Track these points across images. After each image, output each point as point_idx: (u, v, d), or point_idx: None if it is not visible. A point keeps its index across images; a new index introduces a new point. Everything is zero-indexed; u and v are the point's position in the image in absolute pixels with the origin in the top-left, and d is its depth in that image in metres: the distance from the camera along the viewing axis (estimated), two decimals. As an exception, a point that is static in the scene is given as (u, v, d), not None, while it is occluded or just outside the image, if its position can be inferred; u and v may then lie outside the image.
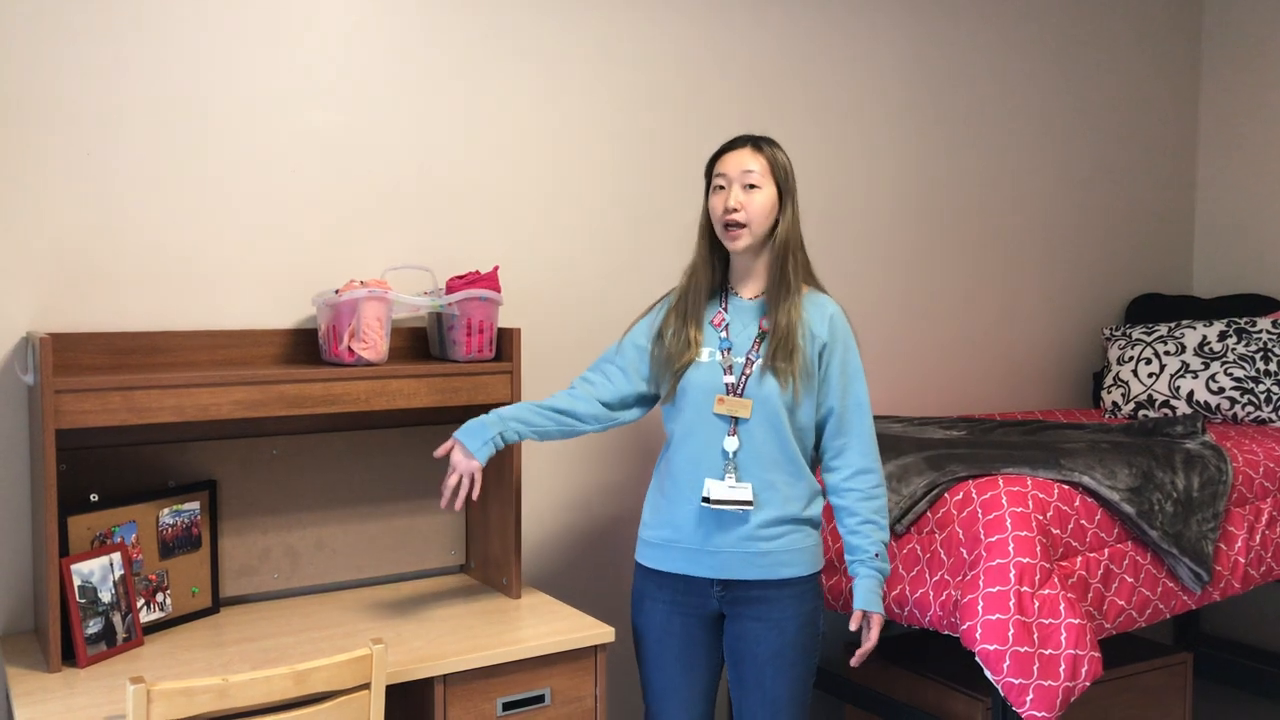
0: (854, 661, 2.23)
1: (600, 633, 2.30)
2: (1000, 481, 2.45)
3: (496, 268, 2.58)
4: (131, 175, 2.34)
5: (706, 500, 2.17)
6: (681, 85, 3.02)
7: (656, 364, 2.29)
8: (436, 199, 2.69)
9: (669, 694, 2.27)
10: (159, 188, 2.37)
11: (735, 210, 2.18)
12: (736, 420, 2.19)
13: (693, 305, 2.26)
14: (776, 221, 2.22)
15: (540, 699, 2.23)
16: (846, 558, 2.23)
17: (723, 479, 2.17)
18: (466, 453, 2.21)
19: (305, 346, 2.50)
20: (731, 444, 2.18)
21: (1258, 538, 2.73)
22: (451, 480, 2.20)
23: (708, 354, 2.23)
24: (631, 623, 2.33)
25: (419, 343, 2.63)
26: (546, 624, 2.34)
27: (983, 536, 2.37)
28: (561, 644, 2.25)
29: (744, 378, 2.20)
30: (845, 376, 2.24)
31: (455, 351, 2.50)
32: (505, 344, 2.52)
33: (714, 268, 2.29)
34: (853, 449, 2.23)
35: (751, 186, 2.18)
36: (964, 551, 2.40)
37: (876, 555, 2.20)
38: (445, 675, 2.12)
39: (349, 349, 2.37)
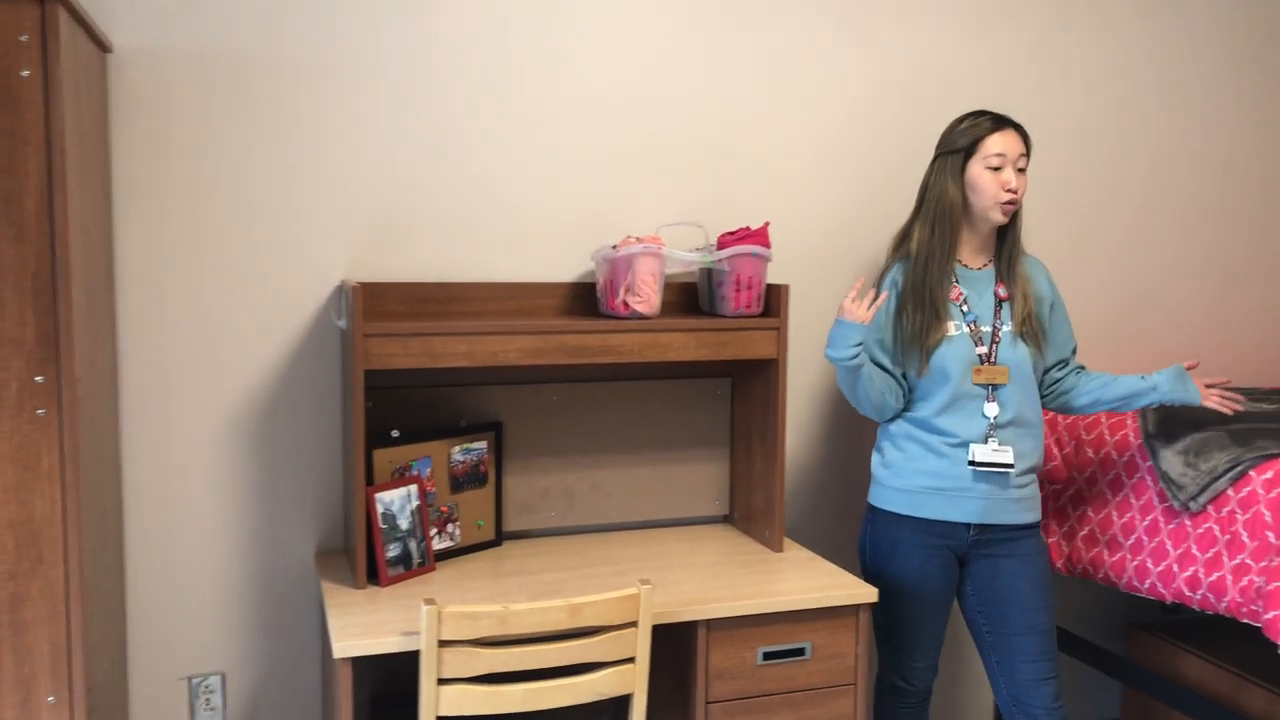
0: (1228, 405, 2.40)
1: (863, 592, 2.28)
2: (1319, 460, 2.21)
3: (767, 224, 2.58)
4: (432, 136, 2.52)
5: (974, 464, 2.33)
6: (956, 43, 2.88)
7: (898, 350, 2.38)
8: (710, 155, 2.72)
9: (927, 630, 2.42)
10: (454, 150, 2.54)
11: (1014, 190, 2.32)
12: (994, 387, 2.33)
13: (934, 288, 2.34)
14: None
15: (801, 652, 2.24)
16: (1136, 398, 2.43)
17: (985, 442, 2.33)
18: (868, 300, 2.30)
19: (585, 299, 2.60)
20: (992, 409, 2.34)
21: None
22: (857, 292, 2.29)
23: (954, 328, 2.35)
24: (874, 571, 2.44)
25: (690, 298, 2.68)
26: (808, 579, 2.34)
27: (1295, 520, 2.16)
28: (824, 599, 2.25)
29: (994, 346, 2.35)
30: (1066, 321, 2.48)
31: (724, 307, 2.53)
32: (773, 300, 2.52)
33: (955, 242, 2.37)
34: (1076, 364, 2.52)
35: (1020, 170, 2.34)
36: (1271, 535, 2.19)
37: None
38: (709, 620, 2.17)
39: (624, 303, 2.45)
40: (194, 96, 2.36)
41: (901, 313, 2.37)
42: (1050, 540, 2.70)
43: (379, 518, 2.28)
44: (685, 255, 2.52)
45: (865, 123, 2.83)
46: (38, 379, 1.83)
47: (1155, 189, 3.14)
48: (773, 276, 2.61)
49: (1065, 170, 3.03)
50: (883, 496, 2.43)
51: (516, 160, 2.58)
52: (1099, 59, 3.03)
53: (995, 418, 2.33)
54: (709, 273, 2.59)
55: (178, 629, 2.45)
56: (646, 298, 2.46)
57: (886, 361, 2.39)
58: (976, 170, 2.33)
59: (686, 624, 2.18)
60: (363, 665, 2.05)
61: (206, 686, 2.48)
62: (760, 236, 2.54)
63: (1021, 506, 2.37)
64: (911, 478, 2.38)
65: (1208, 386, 2.41)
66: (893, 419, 2.43)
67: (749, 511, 2.68)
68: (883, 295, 2.31)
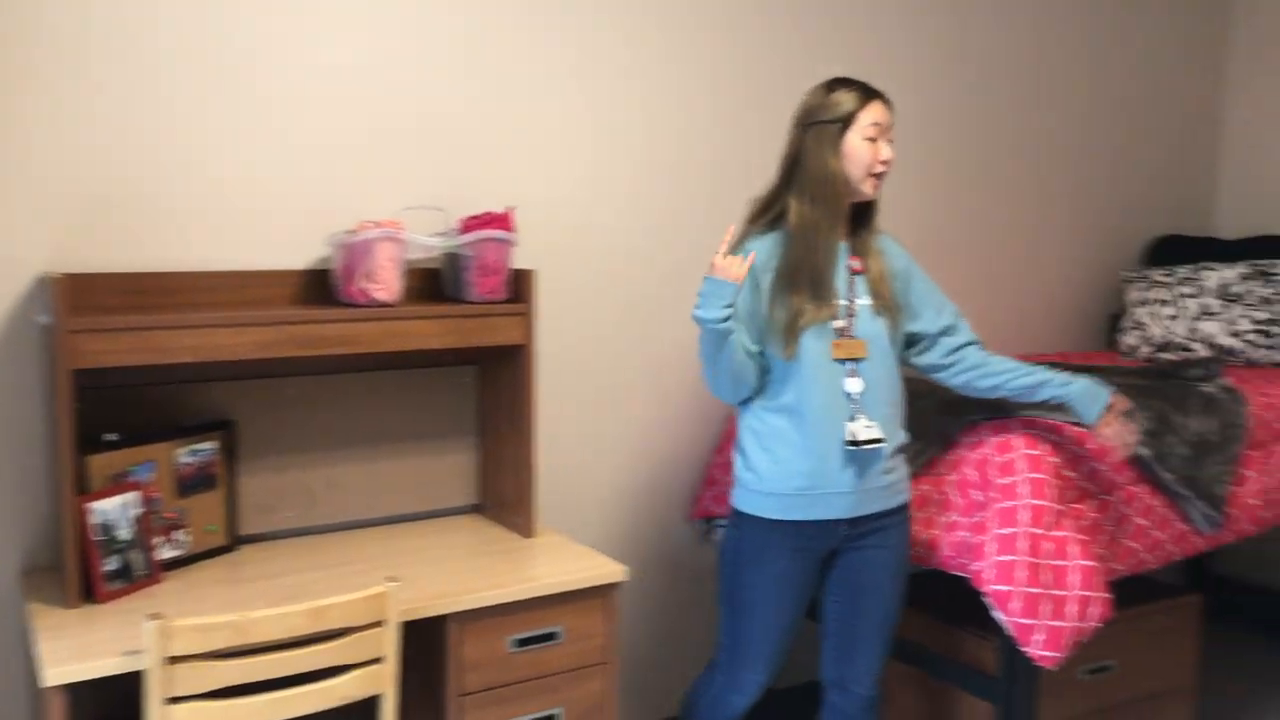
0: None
1: (612, 571, 2.32)
2: (1015, 424, 2.44)
3: (511, 208, 2.56)
4: (145, 117, 2.33)
5: (853, 443, 2.21)
6: (707, 24, 2.97)
7: (767, 327, 2.23)
8: (451, 138, 2.67)
9: (774, 636, 2.33)
10: (172, 129, 2.36)
11: (888, 161, 2.23)
12: (854, 362, 2.23)
13: (822, 268, 2.21)
14: None
15: (553, 636, 2.26)
16: (1043, 387, 2.35)
17: (854, 420, 2.22)
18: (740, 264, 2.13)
19: (320, 287, 2.50)
20: (854, 385, 2.23)
21: (1274, 480, 2.72)
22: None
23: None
24: (734, 576, 2.33)
25: (433, 284, 2.63)
26: (559, 562, 2.36)
27: (995, 479, 2.37)
28: (574, 582, 2.27)
29: (851, 319, 2.24)
30: (935, 294, 2.38)
31: (469, 293, 2.50)
32: (520, 285, 2.51)
33: (837, 215, 2.23)
34: (971, 338, 2.41)
35: (890, 140, 2.25)
36: (976, 494, 2.41)
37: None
38: (459, 613, 2.15)
39: (363, 290, 2.37)
40: None
41: (777, 290, 2.22)
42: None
43: (93, 529, 2.10)
44: (426, 240, 2.46)
45: (612, 106, 2.86)
46: None
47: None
48: (519, 262, 2.60)
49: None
50: (750, 502, 2.29)
51: (243, 142, 2.44)
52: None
53: (858, 394, 2.22)
54: (452, 258, 2.54)
55: None
56: (386, 284, 2.39)
57: (745, 338, 2.22)
58: (854, 141, 2.19)
59: (436, 619, 2.14)
60: (82, 693, 1.89)
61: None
62: (504, 221, 2.52)
63: (891, 491, 2.30)
64: (780, 480, 2.24)
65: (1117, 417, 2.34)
66: (750, 406, 2.29)
67: (500, 500, 2.66)
68: (751, 255, 2.17)
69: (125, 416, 2.30)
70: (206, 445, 2.36)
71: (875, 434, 2.22)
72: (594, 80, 2.83)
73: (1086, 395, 2.34)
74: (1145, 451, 2.48)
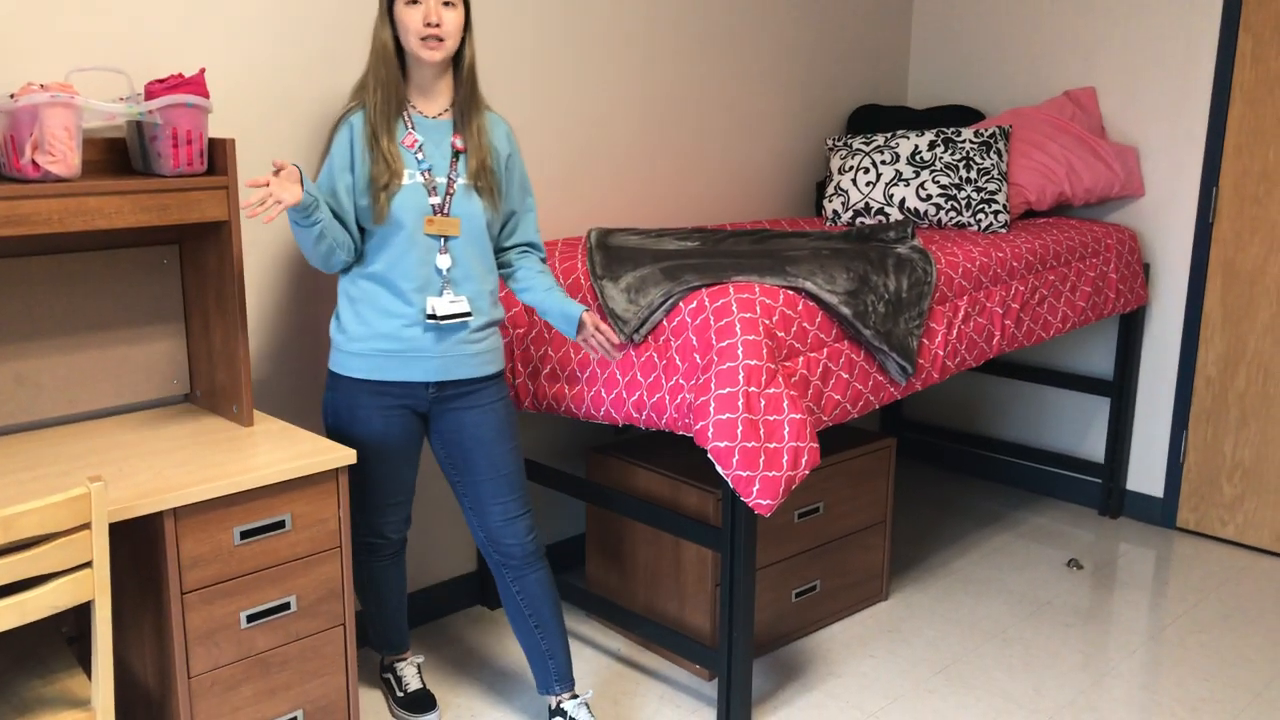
0: (614, 352, 2.50)
1: (340, 455, 2.25)
2: (731, 290, 2.55)
3: (203, 70, 2.34)
4: None
5: (433, 317, 2.35)
6: None
7: (358, 195, 2.33)
8: (126, -10, 2.39)
9: (394, 488, 2.52)
10: None
11: (436, 25, 2.26)
12: (446, 239, 2.34)
13: (386, 127, 2.31)
14: (463, 41, 2.34)
15: (281, 525, 2.19)
16: (553, 304, 2.50)
17: (440, 295, 2.35)
18: (291, 180, 2.17)
19: (-21, 160, 2.20)
20: (444, 261, 2.35)
21: (954, 332, 3.01)
22: (260, 184, 2.11)
23: (409, 176, 2.32)
24: (337, 435, 2.46)
25: (119, 156, 2.38)
26: (282, 450, 2.27)
27: (714, 342, 2.48)
28: (301, 469, 2.19)
29: (448, 197, 2.35)
30: (522, 182, 2.51)
31: (161, 165, 2.28)
32: (218, 156, 2.32)
33: (399, 87, 2.33)
34: (531, 238, 2.56)
35: (448, 4, 2.28)
36: (697, 357, 2.51)
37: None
38: (175, 509, 2.03)
39: (33, 163, 2.10)
40: None
41: (363, 156, 2.31)
42: (518, 381, 2.87)
43: None
44: (107, 106, 2.21)
45: (305, -38, 2.65)
46: None
47: (598, 55, 3.32)
48: (215, 130, 2.39)
49: (498, 39, 3.09)
50: (340, 362, 2.41)
51: None
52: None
53: (447, 270, 2.35)
54: (138, 127, 2.30)
55: None
56: (62, 156, 2.13)
57: (341, 212, 2.33)
58: (399, 8, 2.28)
59: (150, 516, 2.01)
60: None
61: None
62: (196, 85, 2.30)
63: (481, 360, 2.44)
64: (367, 341, 2.37)
65: (593, 334, 2.48)
66: (347, 273, 2.39)
67: (212, 388, 2.51)
68: (278, 163, 2.17)
69: None
70: None
71: (460, 309, 2.36)
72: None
73: (566, 324, 2.49)
74: (847, 310, 2.66)
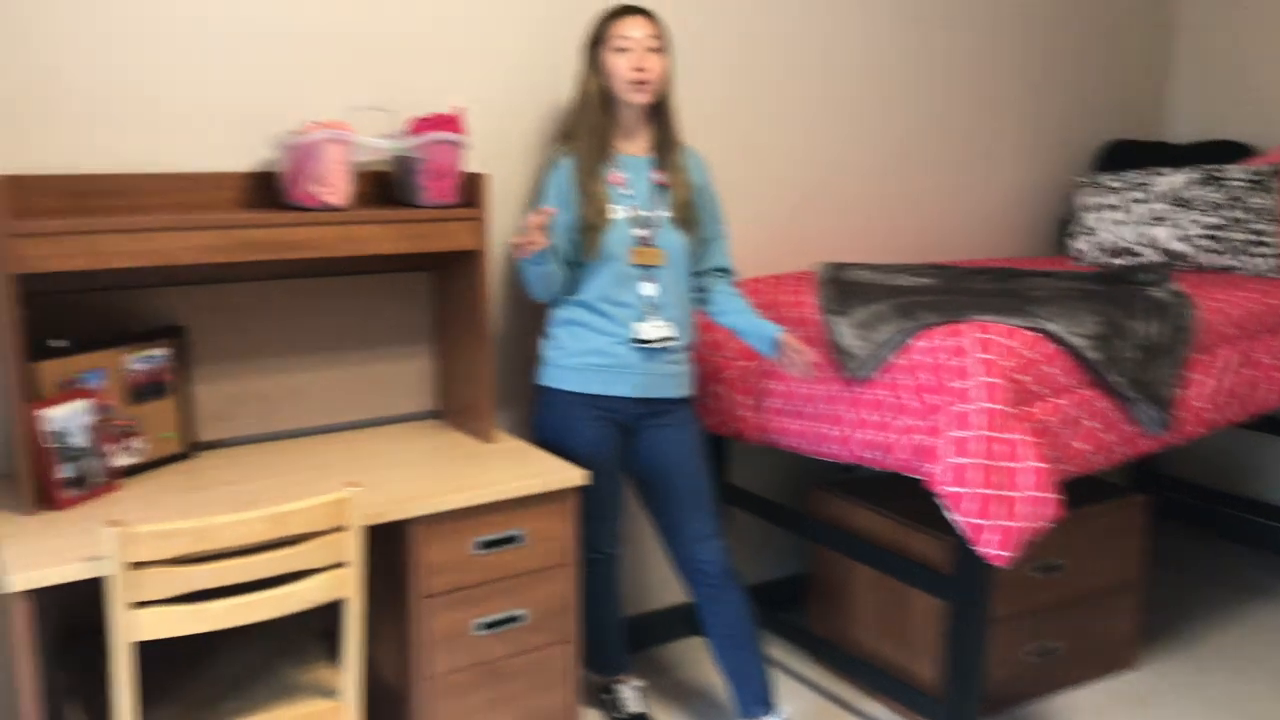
0: (812, 371, 2.53)
1: (573, 475, 2.33)
2: (968, 329, 2.47)
3: (461, 109, 2.50)
4: (86, 12, 2.22)
5: (638, 341, 2.48)
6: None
7: (570, 232, 2.47)
8: (399, 35, 2.58)
9: (605, 500, 2.58)
10: (112, 25, 2.26)
11: (643, 70, 2.42)
12: (651, 268, 2.47)
13: (594, 169, 2.47)
14: (665, 85, 2.49)
15: (515, 539, 2.28)
16: (750, 325, 2.58)
17: (644, 320, 2.48)
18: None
19: (266, 191, 2.43)
20: (650, 289, 2.49)
21: (1218, 384, 2.79)
22: (533, 222, 2.31)
23: (616, 212, 2.47)
24: (548, 445, 2.55)
25: (382, 188, 2.57)
26: (519, 468, 2.37)
27: (950, 383, 2.40)
28: (535, 487, 2.28)
29: (652, 230, 2.48)
30: (714, 210, 2.63)
31: (420, 197, 2.45)
32: (472, 189, 2.47)
33: (606, 130, 2.50)
34: (723, 262, 2.66)
35: (653, 50, 2.44)
36: (931, 397, 2.44)
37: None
38: (422, 516, 2.15)
39: (311, 193, 2.31)
40: None
41: (569, 203, 2.47)
42: (742, 413, 2.88)
43: (46, 436, 2.06)
44: (376, 142, 2.40)
45: (565, 5, 2.78)
46: None
47: (817, 87, 3.32)
48: (470, 165, 2.55)
49: (733, 76, 3.13)
50: (553, 376, 2.55)
51: (185, 39, 2.34)
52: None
53: (652, 297, 2.48)
54: (402, 161, 2.48)
55: None
56: (335, 187, 2.33)
57: (555, 249, 2.46)
58: (607, 56, 2.45)
59: (399, 523, 2.15)
60: (44, 597, 1.88)
61: None
62: (454, 123, 2.46)
63: (679, 382, 2.57)
64: (579, 356, 2.50)
65: (791, 354, 2.52)
66: (561, 300, 2.54)
67: (457, 405, 2.66)
68: (546, 211, 2.33)
69: (74, 323, 2.25)
70: (157, 352, 2.31)
71: (665, 333, 2.50)
72: (549, -24, 2.75)
73: (766, 345, 2.55)
74: (1094, 355, 2.52)
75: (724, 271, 2.67)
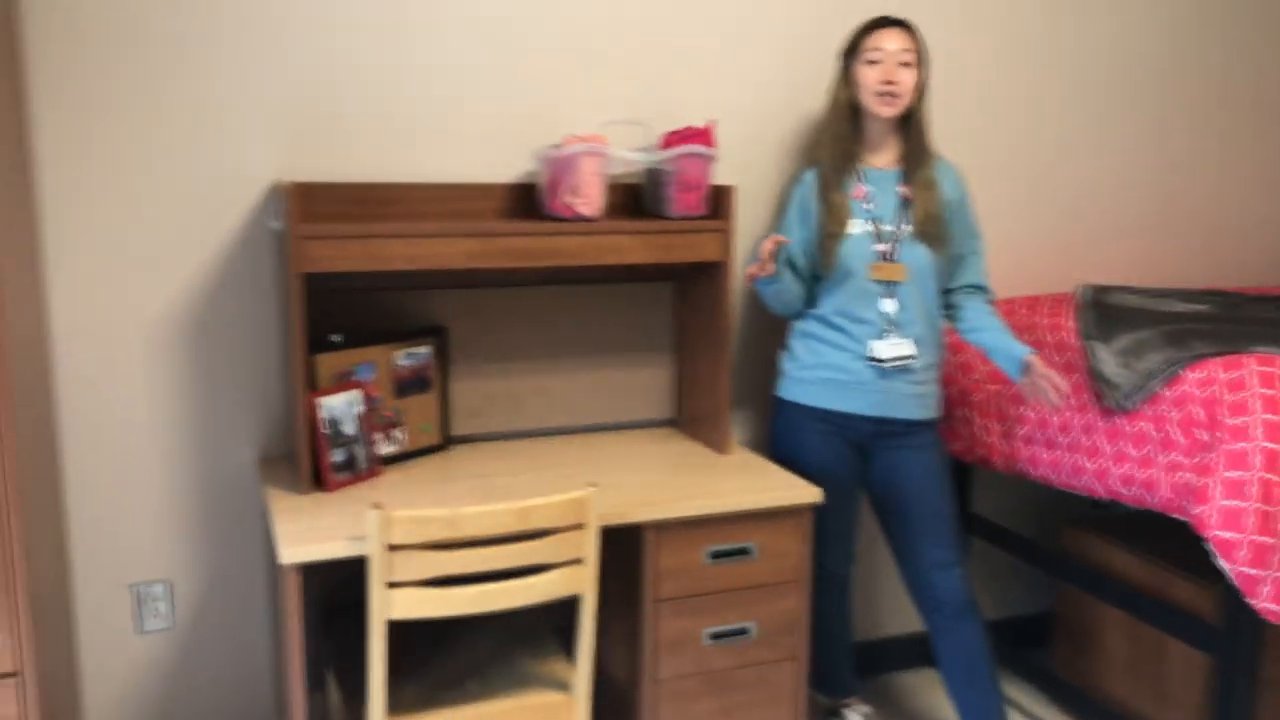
0: (1058, 399, 2.40)
1: (808, 493, 2.31)
2: (1248, 362, 2.26)
3: (712, 123, 2.53)
4: (365, 37, 2.42)
5: (873, 359, 2.42)
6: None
7: (810, 245, 2.47)
8: (654, 52, 2.65)
9: (837, 518, 2.52)
10: (389, 48, 2.44)
11: (893, 82, 2.38)
12: (892, 284, 2.41)
13: (837, 181, 2.45)
14: (916, 99, 2.43)
15: (746, 552, 2.28)
16: (1000, 344, 2.46)
17: (883, 338, 2.42)
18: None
19: (526, 201, 2.55)
20: (890, 306, 2.43)
21: None
22: (762, 253, 2.33)
23: (856, 226, 2.43)
24: (783, 461, 2.51)
25: (633, 199, 2.64)
26: (754, 480, 2.37)
27: (1225, 419, 2.21)
28: (770, 500, 2.28)
29: (895, 245, 2.42)
30: (969, 225, 2.53)
31: (668, 208, 2.50)
32: (720, 201, 2.49)
33: (852, 142, 2.47)
34: (977, 279, 2.56)
35: (905, 64, 2.39)
36: (1203, 433, 2.25)
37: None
38: (656, 521, 2.19)
39: (567, 204, 2.40)
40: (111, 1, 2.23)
41: (810, 214, 2.47)
42: (990, 439, 2.76)
43: (322, 423, 2.25)
44: (629, 155, 2.47)
45: (814, 18, 2.77)
46: (-43, 283, 1.75)
47: (1078, 101, 3.13)
48: (719, 177, 2.57)
49: (990, 91, 3.01)
50: (786, 388, 2.54)
51: (453, 58, 2.50)
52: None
53: (893, 314, 2.42)
54: (654, 173, 2.54)
55: (120, 536, 2.41)
56: (590, 199, 2.41)
57: (795, 263, 2.47)
58: (858, 68, 2.42)
59: (634, 526, 2.19)
60: (312, 571, 2.04)
61: (152, 594, 2.45)
62: (705, 136, 2.50)
63: (919, 403, 2.48)
64: (814, 370, 2.48)
65: (1038, 377, 2.39)
66: (799, 316, 2.53)
67: (695, 415, 2.69)
68: (777, 239, 2.34)
69: (347, 320, 2.44)
70: (422, 349, 2.47)
71: (903, 351, 2.42)
72: (804, -10, 2.75)
73: (1011, 366, 2.43)
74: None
75: (978, 289, 2.57)
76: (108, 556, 2.41)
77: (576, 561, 2.02)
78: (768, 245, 2.32)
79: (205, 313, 2.41)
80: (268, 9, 2.34)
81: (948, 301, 2.56)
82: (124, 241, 2.32)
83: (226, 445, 2.46)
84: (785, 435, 2.55)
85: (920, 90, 2.43)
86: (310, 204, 2.36)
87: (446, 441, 2.55)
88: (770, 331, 2.86)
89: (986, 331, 2.50)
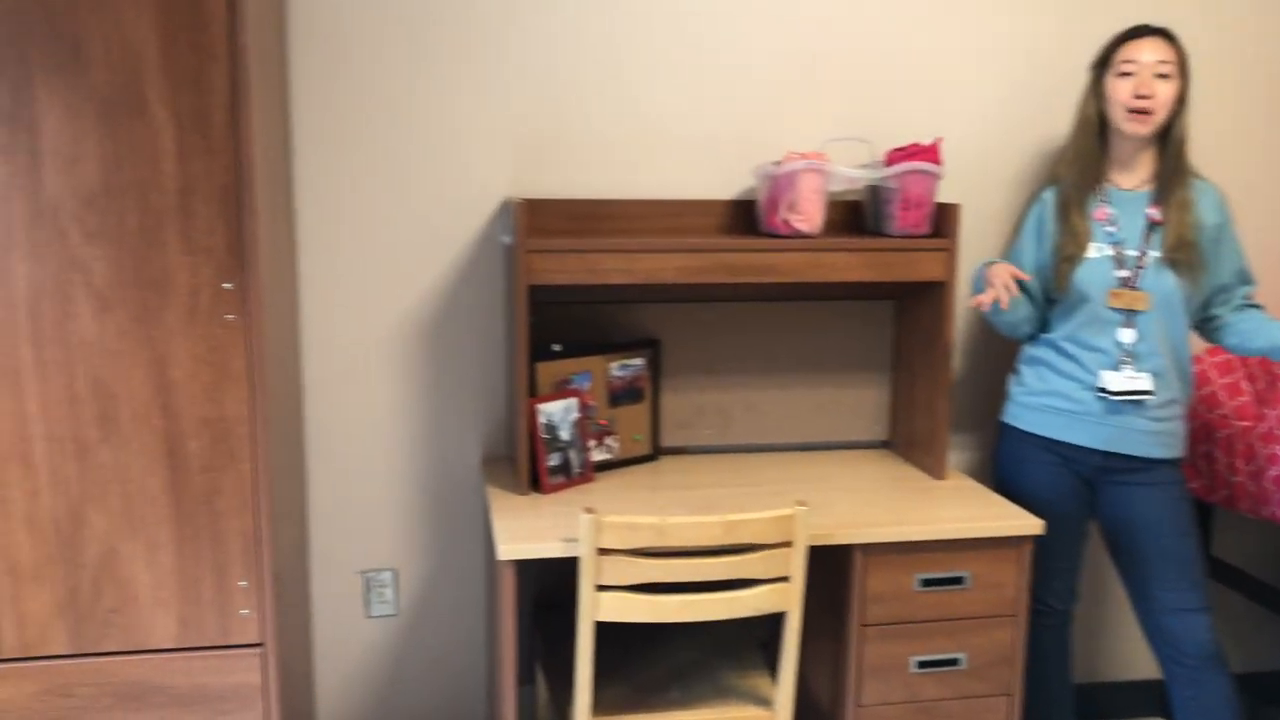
0: None
1: (1028, 523, 2.21)
2: None
3: (939, 140, 2.48)
4: (590, 61, 2.51)
5: (1102, 391, 2.28)
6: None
7: (1045, 267, 2.36)
8: (876, 70, 2.62)
9: (1059, 551, 2.39)
10: (613, 67, 2.52)
11: (1147, 97, 2.23)
12: (1132, 313, 2.26)
13: (1078, 200, 2.32)
14: (1175, 114, 2.27)
15: (959, 580, 2.20)
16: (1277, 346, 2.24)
17: (1118, 369, 2.27)
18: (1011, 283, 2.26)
19: (743, 218, 2.57)
20: (1128, 336, 2.28)
21: None
22: (996, 282, 2.24)
23: (1095, 249, 2.30)
24: (1006, 488, 2.42)
25: (853, 217, 2.61)
26: (970, 508, 2.29)
27: None
28: (986, 529, 2.19)
29: (1138, 271, 2.27)
30: (1233, 253, 2.34)
31: (889, 226, 2.46)
32: (943, 220, 2.43)
33: (1098, 160, 2.33)
34: (1254, 304, 2.37)
35: (1162, 76, 2.23)
36: None
37: None
38: (866, 544, 2.15)
39: (785, 221, 2.40)
40: (365, 17, 2.41)
41: (1046, 235, 2.37)
42: (1236, 479, 2.55)
43: (541, 428, 2.34)
44: (851, 172, 2.45)
45: (1043, 35, 2.66)
46: (226, 286, 1.94)
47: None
48: (943, 195, 2.51)
49: (1264, 96, 2.79)
50: (1012, 414, 2.45)
51: (675, 77, 2.55)
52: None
53: (1130, 345, 2.27)
54: (875, 191, 2.51)
55: (353, 526, 2.59)
56: (808, 216, 2.41)
57: (1029, 285, 2.36)
58: (1110, 80, 2.28)
59: (841, 547, 2.16)
60: (526, 568, 2.12)
61: (379, 581, 2.62)
62: (930, 153, 2.45)
63: (1156, 440, 2.31)
64: (1041, 397, 2.38)
65: None
66: (1031, 340, 2.44)
67: (910, 437, 2.62)
68: (1013, 270, 2.25)
69: (566, 331, 2.52)
70: (636, 361, 2.53)
71: (1138, 385, 2.26)
72: (1025, 8, 2.64)
73: None
74: None
75: (1248, 307, 2.38)
76: (341, 544, 2.59)
77: (783, 579, 2.01)
78: (1002, 275, 2.23)
79: (438, 321, 2.55)
80: (499, 35, 2.46)
81: (1210, 324, 2.38)
82: (368, 255, 2.50)
83: (453, 445, 2.60)
84: (1009, 463, 2.46)
85: (1179, 104, 2.27)
86: (536, 219, 2.46)
87: (656, 452, 2.60)
88: (993, 354, 2.76)
89: (1264, 333, 2.25)
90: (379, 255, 2.50)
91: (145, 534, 1.98)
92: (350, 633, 2.64)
